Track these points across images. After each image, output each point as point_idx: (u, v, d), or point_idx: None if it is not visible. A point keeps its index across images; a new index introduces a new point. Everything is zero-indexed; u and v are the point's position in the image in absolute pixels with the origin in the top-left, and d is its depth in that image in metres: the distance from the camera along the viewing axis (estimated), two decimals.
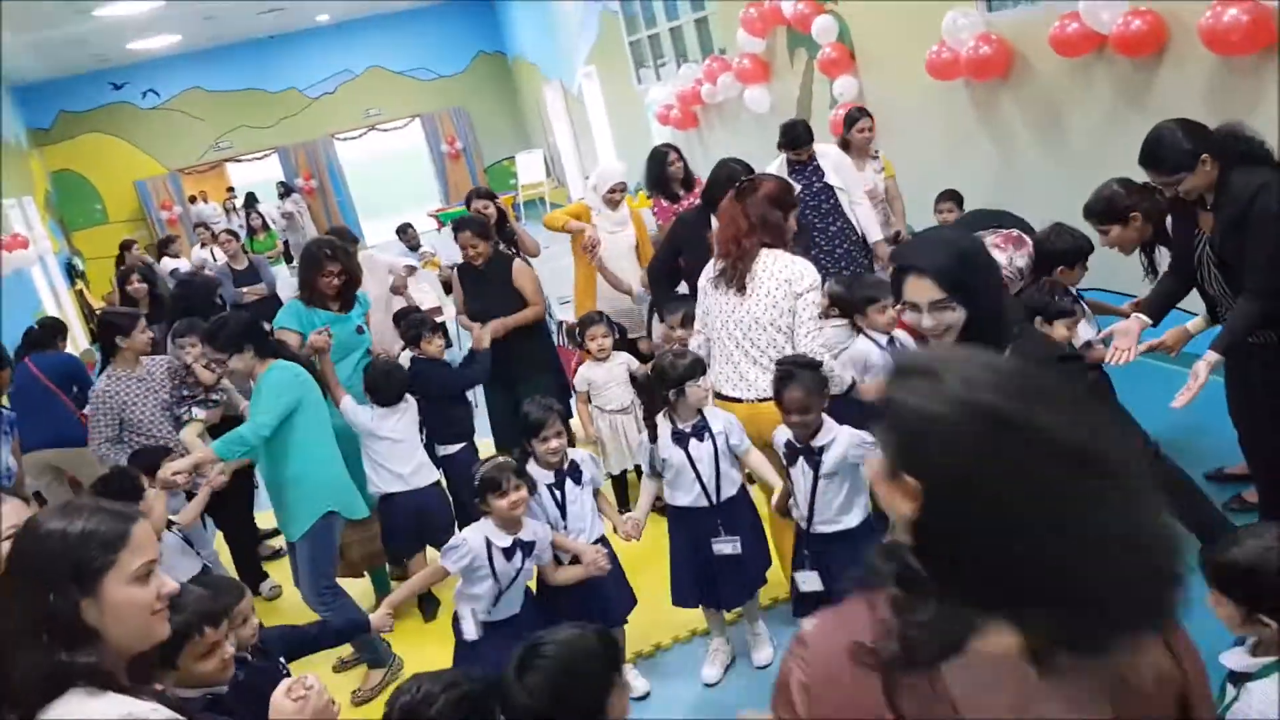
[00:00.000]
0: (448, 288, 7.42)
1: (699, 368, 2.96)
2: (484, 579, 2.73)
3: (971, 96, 5.48)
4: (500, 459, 2.81)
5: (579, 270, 4.75)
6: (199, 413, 4.28)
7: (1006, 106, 5.24)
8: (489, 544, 2.73)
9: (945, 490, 0.89)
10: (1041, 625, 0.88)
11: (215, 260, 9.70)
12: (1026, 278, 3.31)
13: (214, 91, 15.49)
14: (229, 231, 7.95)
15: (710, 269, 3.17)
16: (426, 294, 6.65)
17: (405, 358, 4.47)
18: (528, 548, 2.79)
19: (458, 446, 4.15)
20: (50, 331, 5.30)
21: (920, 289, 1.81)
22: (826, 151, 4.85)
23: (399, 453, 3.77)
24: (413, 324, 4.22)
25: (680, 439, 2.99)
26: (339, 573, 3.79)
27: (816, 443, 2.78)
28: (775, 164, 4.84)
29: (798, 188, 4.68)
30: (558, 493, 2.96)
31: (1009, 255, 3.26)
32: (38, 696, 1.24)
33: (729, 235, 3.05)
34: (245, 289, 7.15)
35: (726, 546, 2.99)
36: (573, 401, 4.34)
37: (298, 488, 3.27)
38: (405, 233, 9.08)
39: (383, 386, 3.75)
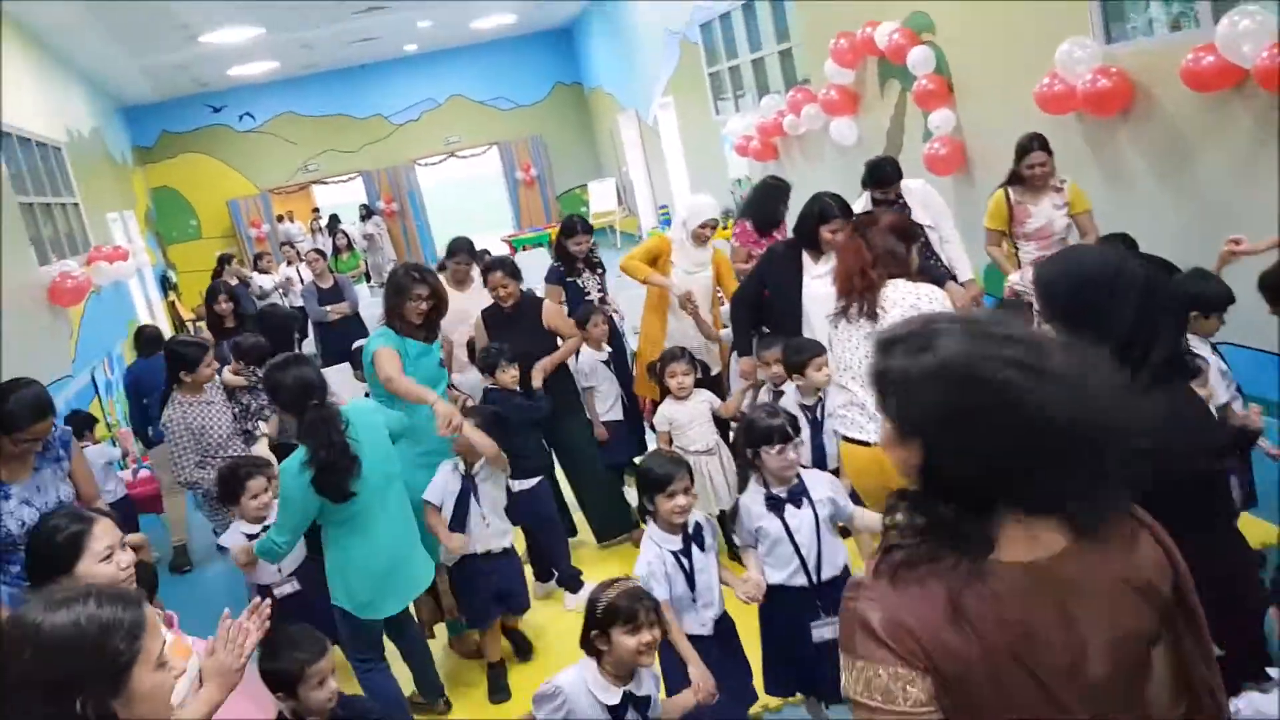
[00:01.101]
0: None
1: (780, 434, 2.64)
2: None
3: (1085, 132, 5.21)
4: (630, 584, 2.26)
5: (651, 312, 4.60)
6: (262, 426, 4.34)
7: (1126, 144, 4.95)
8: (593, 698, 2.18)
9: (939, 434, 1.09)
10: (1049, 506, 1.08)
11: (300, 278, 9.95)
12: None
13: (305, 116, 16.03)
14: (316, 251, 8.12)
15: (831, 308, 2.99)
16: None
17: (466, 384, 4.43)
18: (643, 705, 2.23)
19: (533, 481, 4.05)
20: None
21: (1036, 300, 1.80)
22: (912, 187, 4.67)
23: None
24: (489, 353, 4.12)
25: (775, 505, 2.66)
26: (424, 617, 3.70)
27: None
28: (859, 203, 4.66)
29: None
30: (685, 560, 2.59)
31: None
32: None
33: (854, 269, 2.88)
34: (330, 307, 7.28)
35: (827, 630, 2.62)
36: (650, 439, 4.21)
37: (327, 560, 3.13)
38: (481, 258, 9.13)
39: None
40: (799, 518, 2.65)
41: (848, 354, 2.92)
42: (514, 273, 4.29)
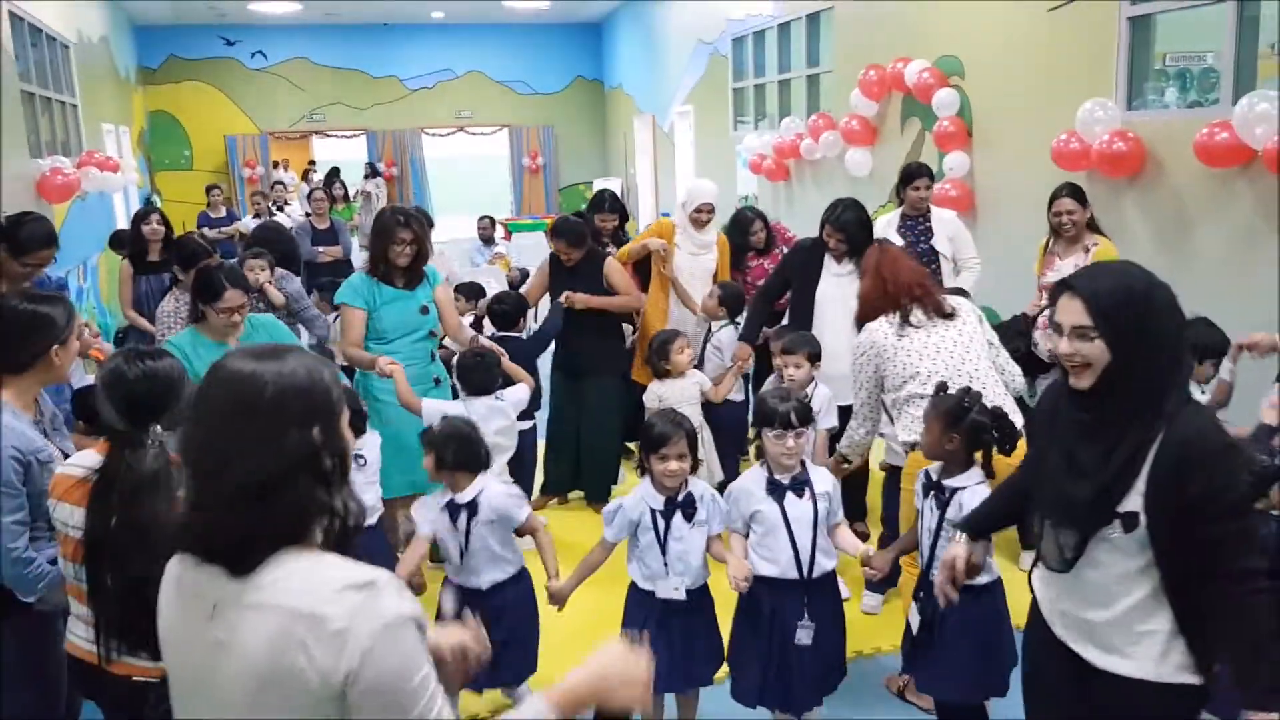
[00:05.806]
0: (514, 286, 7.47)
1: (782, 419, 2.55)
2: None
3: (1094, 192, 5.32)
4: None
5: (655, 299, 4.69)
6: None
7: (1131, 208, 5.10)
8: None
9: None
10: None
11: (289, 221, 9.82)
12: None
13: (319, 65, 15.85)
14: (324, 191, 8.06)
15: (883, 322, 3.06)
16: (493, 290, 6.68)
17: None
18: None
19: (527, 424, 4.16)
20: None
21: (1068, 310, 1.74)
22: (944, 217, 4.80)
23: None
24: (510, 307, 4.46)
25: (776, 491, 2.59)
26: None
27: (949, 482, 2.51)
28: (886, 219, 4.80)
29: (901, 242, 4.66)
30: (662, 522, 2.59)
31: None
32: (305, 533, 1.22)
33: (910, 280, 3.06)
34: (321, 248, 7.21)
35: (805, 635, 2.57)
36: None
37: None
38: (481, 223, 9.13)
39: (474, 370, 3.55)
40: (799, 508, 2.59)
41: (927, 361, 2.96)
42: (577, 243, 4.47)
